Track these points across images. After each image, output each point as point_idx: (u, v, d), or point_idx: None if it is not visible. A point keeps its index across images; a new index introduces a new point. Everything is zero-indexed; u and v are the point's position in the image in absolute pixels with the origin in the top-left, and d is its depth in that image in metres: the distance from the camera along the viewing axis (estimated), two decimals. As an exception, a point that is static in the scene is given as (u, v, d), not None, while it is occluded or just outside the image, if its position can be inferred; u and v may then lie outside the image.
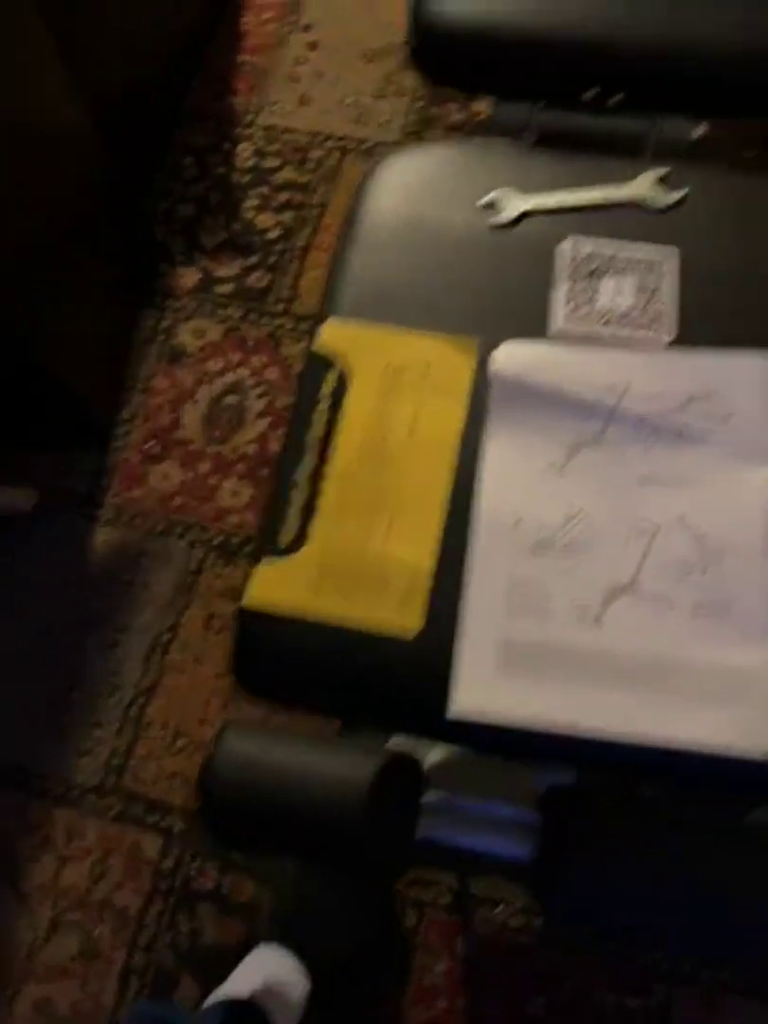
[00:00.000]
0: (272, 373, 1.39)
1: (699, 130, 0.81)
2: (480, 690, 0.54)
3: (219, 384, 1.39)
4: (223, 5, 1.66)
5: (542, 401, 0.61)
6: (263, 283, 1.45)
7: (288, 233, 1.49)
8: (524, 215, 0.69)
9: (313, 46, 1.65)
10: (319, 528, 0.60)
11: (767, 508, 0.57)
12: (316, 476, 0.62)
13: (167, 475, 1.34)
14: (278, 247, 1.48)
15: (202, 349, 1.42)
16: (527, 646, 0.56)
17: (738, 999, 1.00)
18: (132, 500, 1.33)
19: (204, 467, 1.34)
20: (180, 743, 1.18)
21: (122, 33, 1.35)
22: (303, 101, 1.61)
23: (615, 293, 0.64)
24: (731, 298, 0.64)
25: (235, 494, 1.31)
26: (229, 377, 1.40)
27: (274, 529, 0.60)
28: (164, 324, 1.44)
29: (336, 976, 1.02)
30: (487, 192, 0.70)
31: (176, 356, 1.42)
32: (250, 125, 1.60)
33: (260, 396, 1.37)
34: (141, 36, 1.42)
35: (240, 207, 1.52)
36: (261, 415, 1.36)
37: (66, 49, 1.14)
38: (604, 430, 0.60)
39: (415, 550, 0.59)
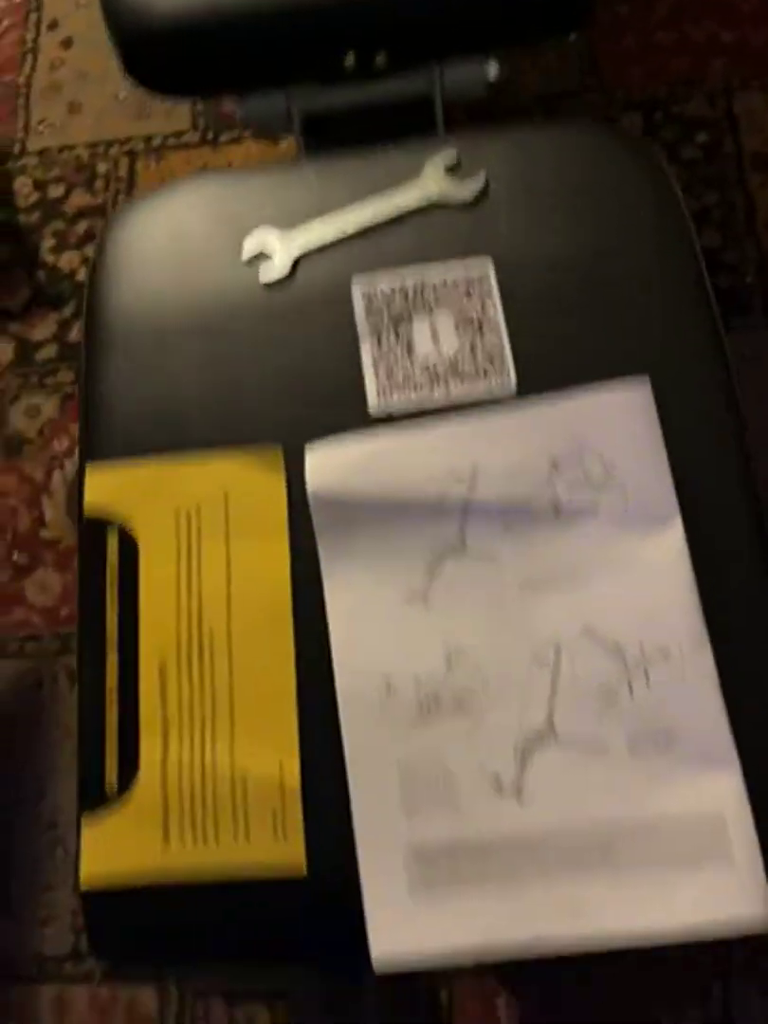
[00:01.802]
0: (125, 437, 1.22)
1: (492, 72, 0.65)
2: (399, 929, 0.42)
3: (72, 465, 1.22)
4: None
5: (378, 513, 0.47)
6: (87, 335, 1.27)
7: (99, 269, 1.30)
8: (300, 260, 0.53)
9: (67, 44, 1.43)
10: (147, 755, 0.46)
11: (685, 583, 0.44)
12: (126, 685, 0.47)
13: (45, 585, 1.18)
14: (92, 288, 1.29)
15: (41, 431, 1.24)
16: (440, 852, 0.43)
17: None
18: (14, 626, 1.17)
19: (83, 564, 1.18)
20: (144, 877, 1.06)
21: None
22: (73, 110, 1.40)
23: (432, 337, 0.50)
24: (561, 304, 0.50)
25: (125, 584, 1.16)
26: (81, 454, 1.23)
27: (93, 770, 0.47)
28: (-10, 414, 1.26)
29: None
30: (249, 237, 0.54)
31: (15, 447, 1.24)
32: (21, 154, 1.38)
33: (121, 465, 1.21)
34: None
35: (37, 253, 1.32)
36: (127, 488, 1.20)
37: None
38: (463, 531, 0.46)
39: (273, 758, 0.45)
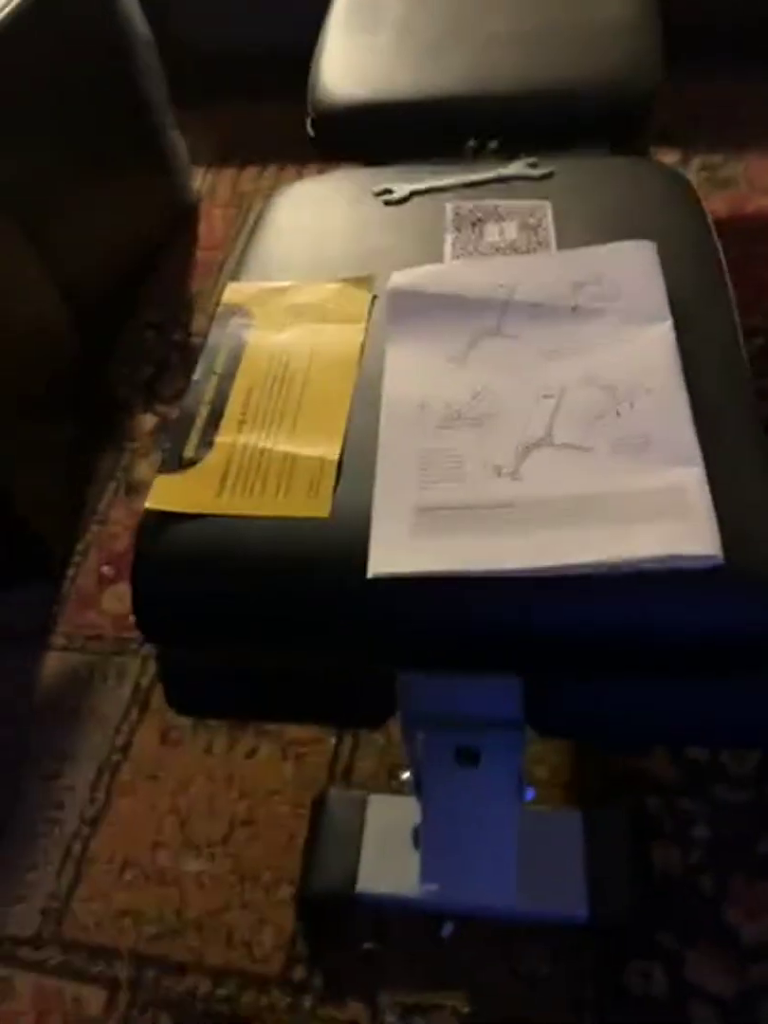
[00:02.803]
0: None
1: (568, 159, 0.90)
2: (396, 549, 0.49)
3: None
4: (180, 218, 1.89)
5: (437, 307, 0.62)
6: (218, 420, 1.51)
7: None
8: (413, 194, 0.75)
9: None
10: (223, 439, 0.58)
11: (670, 350, 0.55)
12: (220, 399, 0.61)
13: (122, 597, 1.30)
14: (232, 390, 1.56)
15: (159, 480, 1.44)
16: (441, 508, 0.51)
17: None
18: (85, 624, 1.28)
19: (160, 585, 1.30)
20: (129, 875, 1.03)
21: (90, 239, 1.55)
22: (252, 279, 1.78)
23: (500, 233, 0.68)
24: (600, 225, 0.68)
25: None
26: (186, 502, 1.41)
27: (178, 445, 0.59)
28: (123, 463, 1.48)
29: None
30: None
31: (134, 488, 1.44)
32: (205, 299, 1.75)
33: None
34: (107, 240, 1.62)
35: (194, 363, 1.63)
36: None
37: (43, 251, 1.35)
38: (500, 322, 0.60)
39: (320, 446, 0.56)
